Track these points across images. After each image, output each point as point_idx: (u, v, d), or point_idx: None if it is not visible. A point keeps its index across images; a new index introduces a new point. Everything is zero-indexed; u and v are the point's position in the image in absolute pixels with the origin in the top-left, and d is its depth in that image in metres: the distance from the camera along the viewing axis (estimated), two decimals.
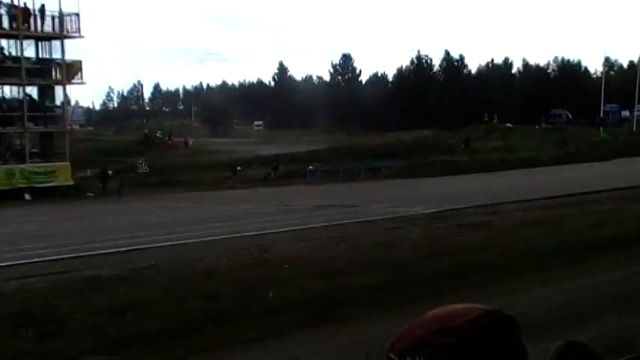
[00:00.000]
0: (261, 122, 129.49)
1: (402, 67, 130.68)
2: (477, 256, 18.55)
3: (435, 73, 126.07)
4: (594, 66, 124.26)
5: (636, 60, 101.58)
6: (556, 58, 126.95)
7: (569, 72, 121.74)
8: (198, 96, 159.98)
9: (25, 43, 47.42)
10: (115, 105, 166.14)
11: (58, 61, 48.74)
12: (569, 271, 17.43)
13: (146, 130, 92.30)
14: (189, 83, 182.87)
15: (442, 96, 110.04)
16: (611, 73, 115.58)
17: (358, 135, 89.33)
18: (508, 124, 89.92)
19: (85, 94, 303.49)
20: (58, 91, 50.08)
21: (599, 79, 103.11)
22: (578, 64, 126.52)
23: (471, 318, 1.45)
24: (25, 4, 46.93)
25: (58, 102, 50.37)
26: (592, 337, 10.37)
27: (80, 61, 50.41)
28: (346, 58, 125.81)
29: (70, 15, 48.52)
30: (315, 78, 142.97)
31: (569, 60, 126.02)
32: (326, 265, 17.63)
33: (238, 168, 55.92)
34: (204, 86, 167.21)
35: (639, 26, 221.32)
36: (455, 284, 15.92)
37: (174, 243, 22.82)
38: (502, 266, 17.68)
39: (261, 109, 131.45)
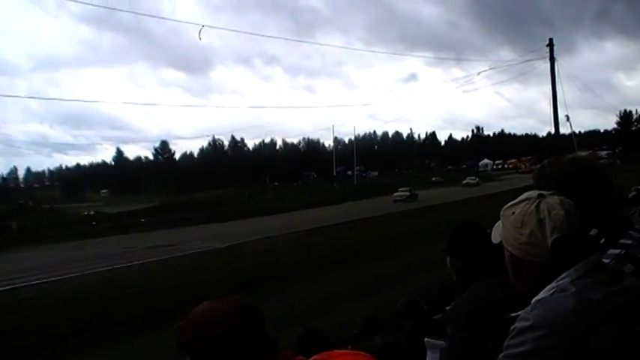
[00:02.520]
0: (106, 190, 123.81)
1: (202, 147, 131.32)
2: (262, 272, 18.61)
3: (226, 150, 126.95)
4: (328, 142, 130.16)
5: (353, 138, 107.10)
6: (304, 137, 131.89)
7: (313, 147, 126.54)
8: (59, 174, 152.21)
9: None
10: None
11: None
12: (325, 276, 17.73)
13: (21, 201, 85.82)
14: (52, 165, 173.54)
15: (231, 166, 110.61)
16: (339, 147, 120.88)
17: (175, 196, 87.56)
18: (276, 183, 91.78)
19: None
20: None
21: (331, 151, 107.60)
22: (318, 141, 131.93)
23: (233, 312, 1.33)
24: None
25: None
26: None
27: None
28: (164, 143, 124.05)
29: None
30: (143, 158, 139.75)
31: (312, 139, 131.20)
32: (156, 287, 17.06)
33: (93, 223, 53.24)
34: (64, 167, 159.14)
35: (354, 114, 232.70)
36: (248, 293, 15.82)
37: (46, 280, 21.09)
38: (280, 278, 17.80)
39: (105, 181, 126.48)
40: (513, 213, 1.62)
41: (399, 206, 47.87)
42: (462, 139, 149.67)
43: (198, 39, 17.88)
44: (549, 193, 1.64)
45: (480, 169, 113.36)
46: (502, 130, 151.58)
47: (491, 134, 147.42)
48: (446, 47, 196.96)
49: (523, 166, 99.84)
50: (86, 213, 64.19)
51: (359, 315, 5.76)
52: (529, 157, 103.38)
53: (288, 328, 4.57)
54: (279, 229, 33.98)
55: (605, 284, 1.50)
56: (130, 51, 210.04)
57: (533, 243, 1.56)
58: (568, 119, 29.12)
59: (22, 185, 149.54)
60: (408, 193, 58.48)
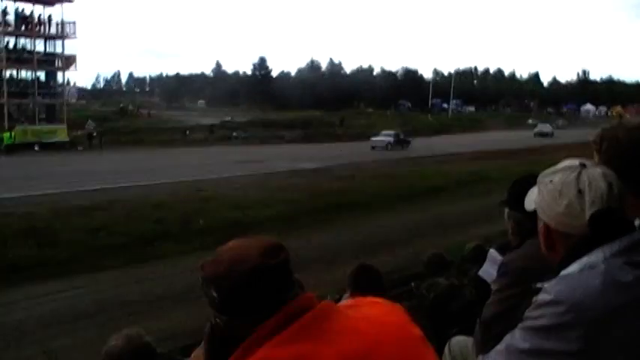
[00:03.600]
0: (203, 101, 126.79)
1: (300, 67, 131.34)
2: (344, 198, 18.81)
3: (323, 72, 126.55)
4: (427, 74, 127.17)
5: (452, 71, 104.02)
6: (403, 67, 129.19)
7: (411, 77, 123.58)
8: (159, 81, 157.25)
9: (38, 41, 46.46)
10: (102, 86, 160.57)
11: (60, 54, 47.80)
12: (405, 209, 17.78)
13: (121, 105, 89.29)
14: (153, 72, 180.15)
15: (326, 88, 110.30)
16: (437, 79, 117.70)
17: (269, 112, 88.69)
18: (370, 109, 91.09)
19: (79, 77, 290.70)
20: (59, 75, 48.80)
21: (429, 82, 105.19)
22: (416, 71, 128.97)
23: (259, 251, 1.32)
24: (39, 15, 46.16)
25: (59, 83, 49.02)
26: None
27: (75, 55, 49.10)
28: (262, 60, 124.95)
29: (69, 23, 47.41)
30: (241, 72, 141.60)
31: (410, 68, 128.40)
32: (240, 202, 17.56)
33: (187, 132, 54.87)
34: (164, 75, 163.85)
35: (456, 49, 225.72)
36: (329, 217, 16.14)
37: (139, 184, 22.05)
38: (360, 205, 17.96)
39: (203, 91, 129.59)
40: (551, 181, 1.53)
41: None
42: (567, 82, 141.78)
43: None
44: (592, 163, 1.54)
45: (581, 115, 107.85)
46: (610, 77, 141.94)
47: (598, 79, 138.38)
48: None
49: (628, 115, 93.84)
50: (226, 119, 66.82)
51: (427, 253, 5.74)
52: (635, 105, 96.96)
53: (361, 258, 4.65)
54: (368, 155, 33.88)
55: (638, 266, 1.41)
56: None
57: (570, 214, 1.48)
58: None
59: (123, 89, 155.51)
60: (391, 139, 42.57)
